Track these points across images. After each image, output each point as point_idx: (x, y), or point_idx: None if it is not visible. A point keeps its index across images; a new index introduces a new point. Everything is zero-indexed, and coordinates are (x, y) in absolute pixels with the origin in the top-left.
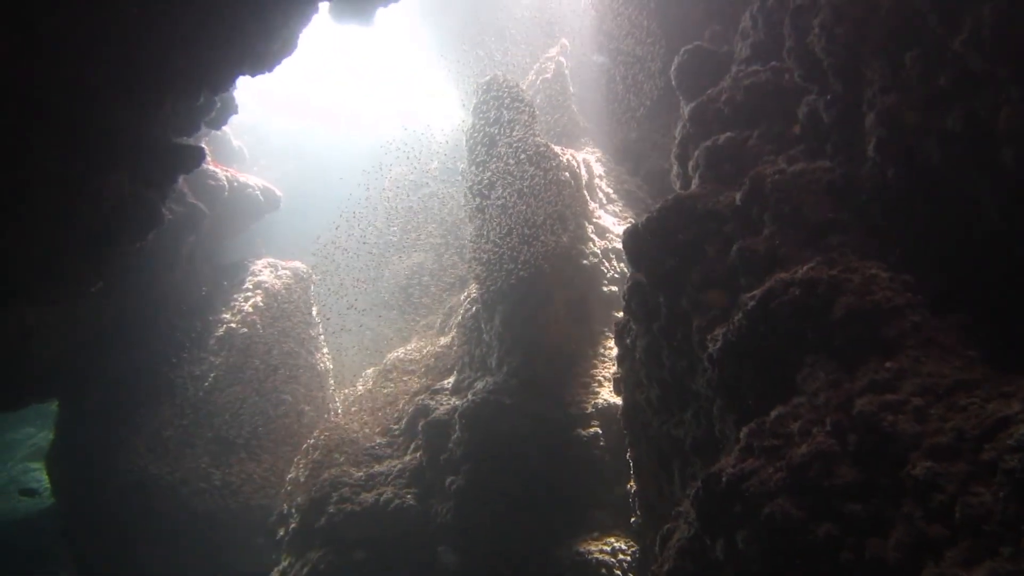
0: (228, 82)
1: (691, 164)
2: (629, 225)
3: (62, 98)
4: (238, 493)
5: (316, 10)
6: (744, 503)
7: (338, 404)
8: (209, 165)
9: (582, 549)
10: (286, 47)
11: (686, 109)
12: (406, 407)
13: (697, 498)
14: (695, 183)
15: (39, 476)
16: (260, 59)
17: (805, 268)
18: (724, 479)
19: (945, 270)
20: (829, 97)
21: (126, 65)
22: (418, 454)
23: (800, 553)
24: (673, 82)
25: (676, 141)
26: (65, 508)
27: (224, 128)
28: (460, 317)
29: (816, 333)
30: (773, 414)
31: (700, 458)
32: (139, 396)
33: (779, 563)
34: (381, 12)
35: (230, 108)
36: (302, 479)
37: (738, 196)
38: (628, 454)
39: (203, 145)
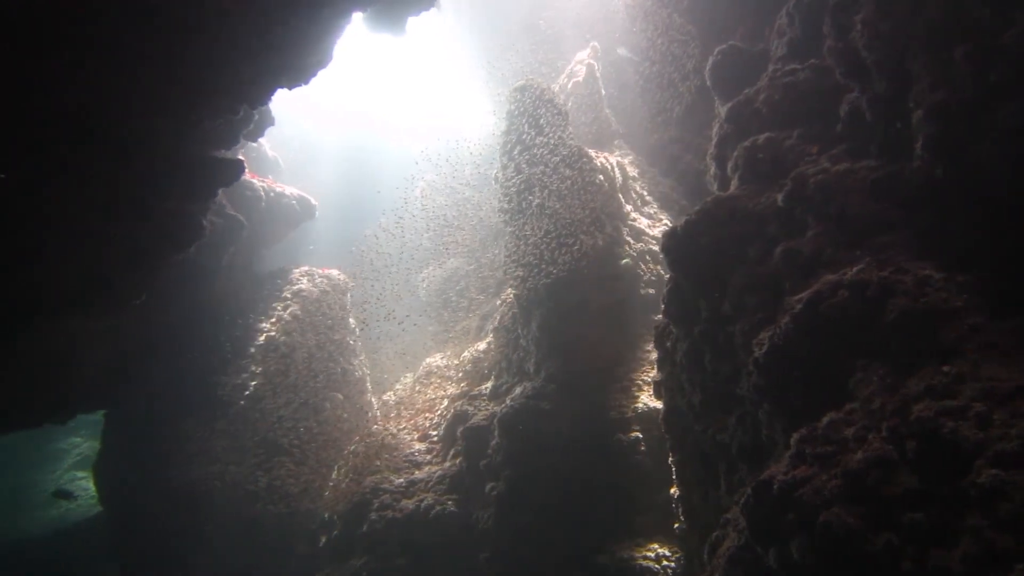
0: (266, 96)
1: (730, 165)
2: (667, 227)
3: (108, 118)
4: (282, 498)
5: (349, 21)
6: (798, 511)
7: (376, 410)
8: (246, 176)
9: (625, 555)
10: (322, 59)
11: (723, 109)
12: (444, 413)
13: (747, 506)
14: (734, 184)
15: (85, 485)
16: (297, 72)
17: (854, 270)
18: (776, 486)
19: (1002, 271)
20: (872, 95)
21: (169, 83)
22: (458, 460)
23: (858, 563)
24: (708, 82)
25: (713, 142)
26: (112, 516)
27: (259, 139)
28: (497, 322)
29: (868, 337)
30: (825, 420)
31: (746, 464)
32: (182, 405)
33: (836, 573)
34: (412, 21)
35: (267, 120)
36: (343, 486)
37: (780, 197)
38: (670, 459)
39: (241, 157)
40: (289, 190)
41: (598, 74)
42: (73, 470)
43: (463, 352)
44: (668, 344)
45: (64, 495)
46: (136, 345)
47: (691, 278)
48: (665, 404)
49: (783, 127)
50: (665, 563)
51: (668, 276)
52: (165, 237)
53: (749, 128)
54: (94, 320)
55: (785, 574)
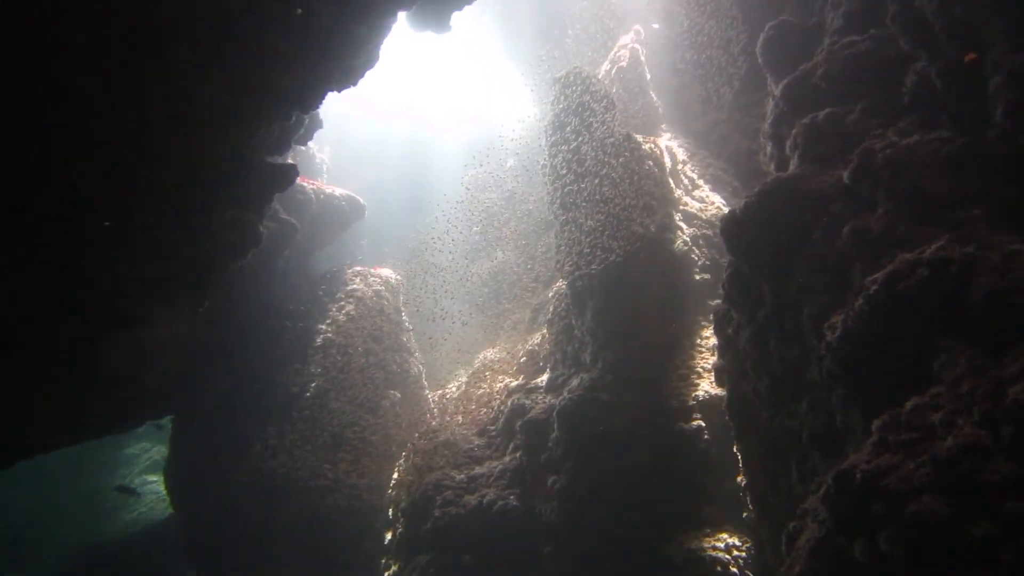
0: (318, 100)
1: (788, 144)
2: (721, 211)
3: (170, 131)
4: (347, 494)
5: (396, 20)
6: (884, 502)
7: (433, 407)
8: (297, 180)
9: (694, 546)
10: (369, 60)
11: (777, 87)
12: (501, 407)
13: (828, 496)
14: (794, 163)
15: (156, 488)
16: (346, 75)
17: (934, 247)
18: (859, 476)
19: None
20: (943, 63)
21: (229, 93)
22: (517, 454)
23: (954, 554)
24: (760, 59)
25: (768, 121)
26: (184, 518)
27: (308, 142)
28: (550, 314)
29: (951, 317)
30: (909, 405)
31: (819, 451)
32: (245, 407)
33: (928, 564)
34: (456, 16)
35: (316, 123)
36: (405, 483)
37: (845, 174)
38: (736, 447)
39: (297, 164)
40: (338, 191)
41: (643, 58)
42: (144, 474)
43: (516, 345)
44: (729, 330)
45: (126, 491)
46: (200, 351)
47: (752, 262)
48: (728, 391)
49: (844, 102)
50: (736, 553)
51: (727, 261)
52: (225, 245)
53: (807, 105)
54: (159, 329)
55: (872, 566)
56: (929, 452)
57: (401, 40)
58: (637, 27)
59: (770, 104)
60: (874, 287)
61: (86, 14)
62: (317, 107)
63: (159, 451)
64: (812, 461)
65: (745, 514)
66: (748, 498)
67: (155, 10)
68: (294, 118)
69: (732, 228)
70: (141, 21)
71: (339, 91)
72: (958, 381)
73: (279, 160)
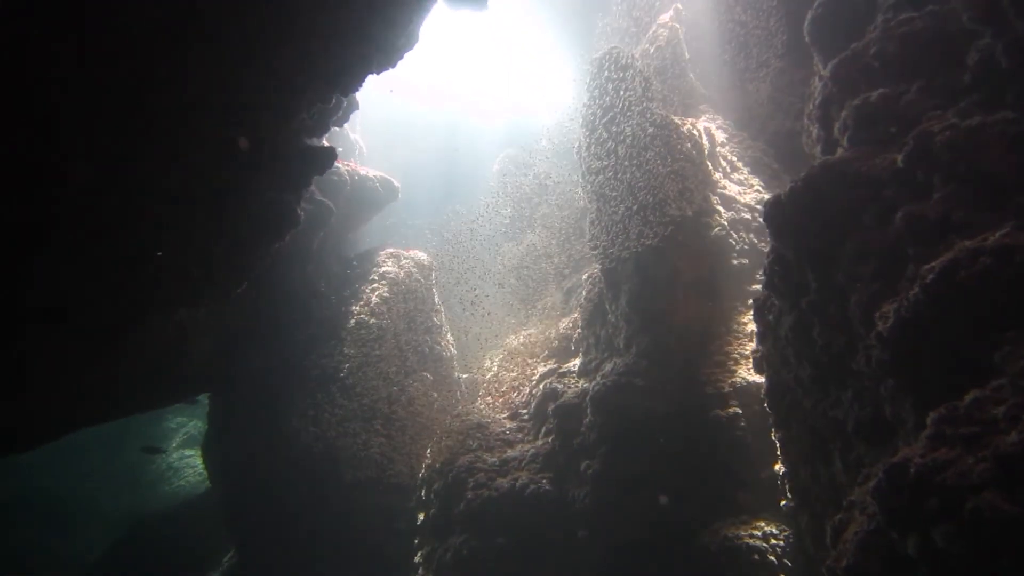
0: (358, 83)
1: (837, 126)
2: (760, 193)
3: (212, 114)
4: (381, 473)
5: (436, 1)
6: (941, 497)
7: (464, 389)
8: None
9: (730, 534)
10: (409, 42)
11: (827, 67)
12: (533, 391)
13: (879, 490)
14: (843, 146)
15: (194, 462)
16: (386, 57)
17: (997, 234)
18: (913, 470)
19: None
20: (1010, 38)
21: (271, 76)
22: (550, 438)
23: (1015, 552)
24: (807, 38)
25: (816, 102)
26: (222, 492)
27: (344, 124)
28: (582, 298)
29: (1017, 308)
30: (968, 398)
31: (865, 442)
32: (281, 385)
33: (988, 562)
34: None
35: (353, 105)
36: (438, 465)
37: (900, 157)
38: (774, 434)
39: (332, 146)
40: (373, 173)
41: (681, 36)
42: (181, 448)
43: (548, 329)
44: (770, 317)
45: (153, 450)
46: (236, 330)
47: (797, 248)
48: (768, 379)
49: (899, 82)
50: (773, 542)
51: (769, 247)
52: (264, 227)
53: (858, 85)
54: (200, 309)
55: (926, 562)
56: (991, 447)
57: (437, 19)
58: (677, 5)
59: (817, 84)
60: (931, 276)
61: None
62: (357, 90)
63: (196, 426)
64: (857, 451)
65: (783, 503)
66: (787, 487)
67: None
68: (333, 101)
69: (776, 213)
70: (185, 7)
71: (378, 74)
72: (1022, 374)
73: (317, 142)
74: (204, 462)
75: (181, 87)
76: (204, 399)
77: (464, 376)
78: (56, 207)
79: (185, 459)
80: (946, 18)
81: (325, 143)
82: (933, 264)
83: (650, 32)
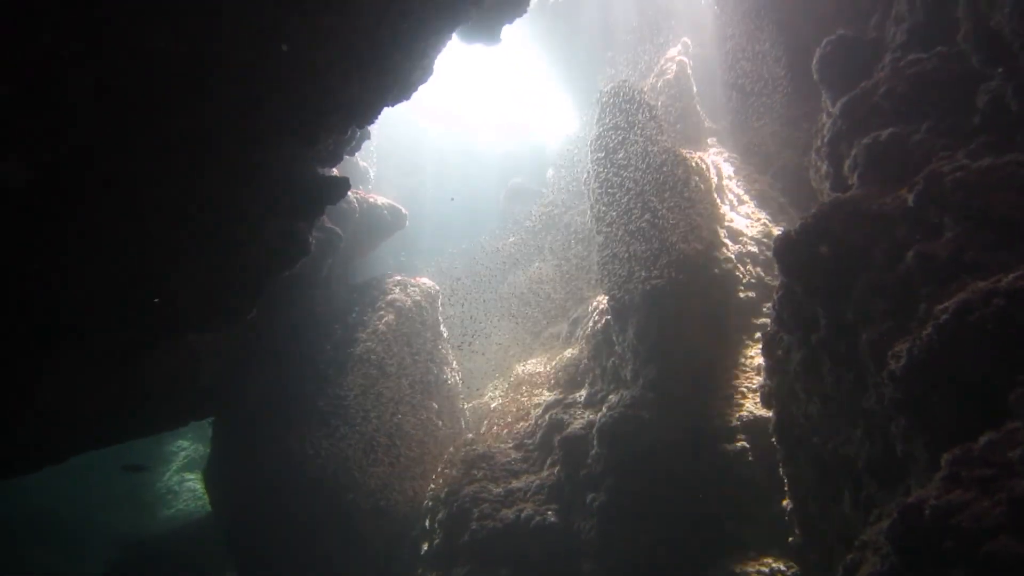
0: (375, 115)
1: (847, 163)
2: (779, 232)
3: (232, 142)
4: (386, 503)
5: (451, 36)
6: (956, 539)
7: (469, 418)
8: None
9: (737, 569)
10: (424, 75)
11: (834, 104)
12: (539, 421)
13: (894, 531)
14: (853, 183)
15: (194, 486)
16: (403, 89)
17: (1011, 276)
18: (927, 511)
19: None
20: (1020, 82)
21: (290, 107)
22: (555, 469)
23: None
24: (815, 75)
25: (825, 138)
26: (224, 517)
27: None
28: (589, 328)
29: None
30: (983, 440)
31: (876, 480)
32: (286, 411)
33: None
34: (505, 29)
35: (365, 134)
36: (442, 495)
37: (910, 196)
38: (782, 470)
39: (343, 174)
40: (381, 200)
41: (689, 71)
42: (181, 471)
43: (554, 358)
44: (779, 352)
45: (134, 468)
46: (243, 355)
47: (807, 284)
48: (776, 414)
49: (908, 121)
50: None
51: (779, 282)
52: (276, 254)
53: (868, 123)
54: (209, 333)
55: None
56: (1006, 490)
57: (449, 50)
58: (685, 39)
59: (826, 121)
60: (944, 316)
61: (162, 23)
62: (373, 122)
63: (196, 449)
64: (868, 490)
65: (791, 539)
66: (794, 523)
67: (226, 25)
68: (349, 132)
69: (787, 249)
70: (215, 35)
71: (393, 105)
72: None
73: (331, 171)
74: (205, 485)
75: (201, 114)
76: (206, 422)
77: (469, 405)
78: (74, 229)
79: (185, 482)
80: (955, 60)
81: (335, 172)
82: (946, 304)
83: (658, 66)
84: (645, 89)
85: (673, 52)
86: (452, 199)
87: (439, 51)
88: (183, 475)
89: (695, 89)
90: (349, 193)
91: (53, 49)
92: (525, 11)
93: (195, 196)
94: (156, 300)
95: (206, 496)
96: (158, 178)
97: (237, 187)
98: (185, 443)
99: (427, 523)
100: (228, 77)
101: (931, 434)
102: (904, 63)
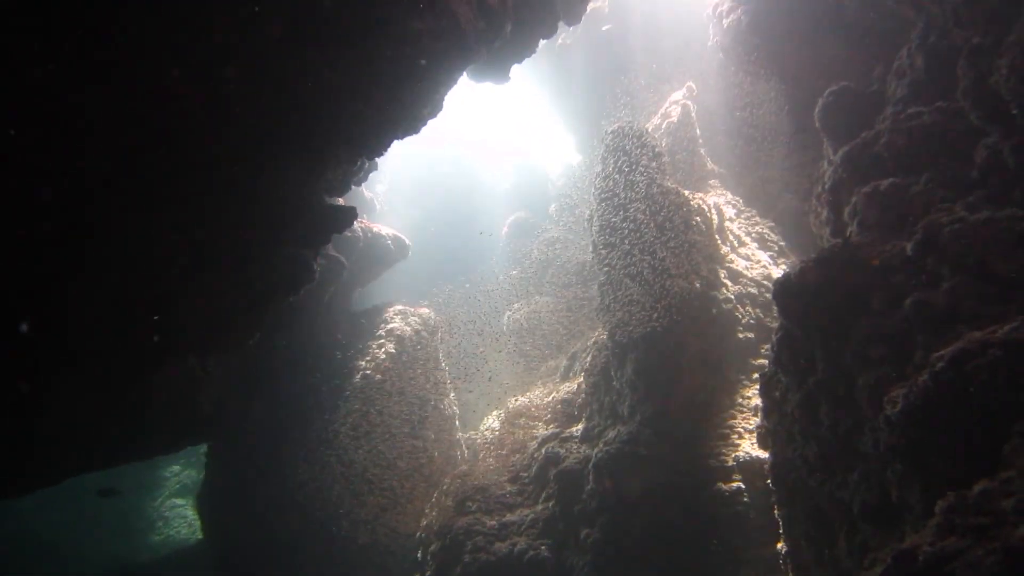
0: (384, 148)
1: (847, 211)
2: (780, 275)
3: (244, 170)
4: (380, 532)
5: (462, 74)
6: None
7: (465, 450)
8: None
9: None
10: (434, 111)
11: (837, 153)
12: (535, 454)
13: None
14: (852, 231)
15: (184, 512)
16: (412, 124)
17: (1007, 328)
18: (921, 558)
19: None
20: (1017, 140)
21: (304, 136)
22: (550, 503)
23: None
24: (817, 124)
25: (826, 186)
26: (216, 544)
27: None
28: (587, 363)
29: None
30: (977, 488)
31: (871, 525)
32: (283, 438)
33: None
34: (515, 68)
35: (372, 165)
36: (436, 526)
37: (909, 246)
38: (777, 512)
39: (349, 204)
40: (385, 230)
41: (693, 115)
42: (173, 497)
43: (551, 392)
44: (776, 393)
45: (108, 493)
46: (243, 380)
47: (806, 328)
48: (773, 455)
49: (908, 172)
50: None
51: (778, 324)
52: (281, 280)
53: (868, 173)
54: (211, 358)
55: None
56: (1000, 539)
57: (459, 86)
58: (690, 84)
59: (827, 169)
60: (940, 364)
61: (187, 60)
62: (382, 153)
63: (188, 475)
64: (863, 535)
65: None
66: (788, 566)
67: (243, 58)
68: (358, 163)
69: (786, 292)
70: (232, 66)
71: (402, 139)
72: None
73: (338, 200)
74: (198, 511)
75: (215, 142)
76: (198, 447)
77: (466, 436)
78: (85, 250)
79: (176, 508)
80: (955, 115)
81: (342, 202)
82: (943, 352)
83: (663, 108)
84: (650, 129)
85: (677, 96)
86: (481, 232)
87: (449, 88)
88: (174, 501)
89: (698, 132)
90: (354, 223)
91: (70, 76)
92: (535, 51)
93: (205, 221)
94: (156, 318)
95: (197, 522)
96: (169, 203)
97: (247, 213)
98: (177, 468)
99: (419, 554)
100: (244, 108)
101: (926, 480)
102: (905, 116)
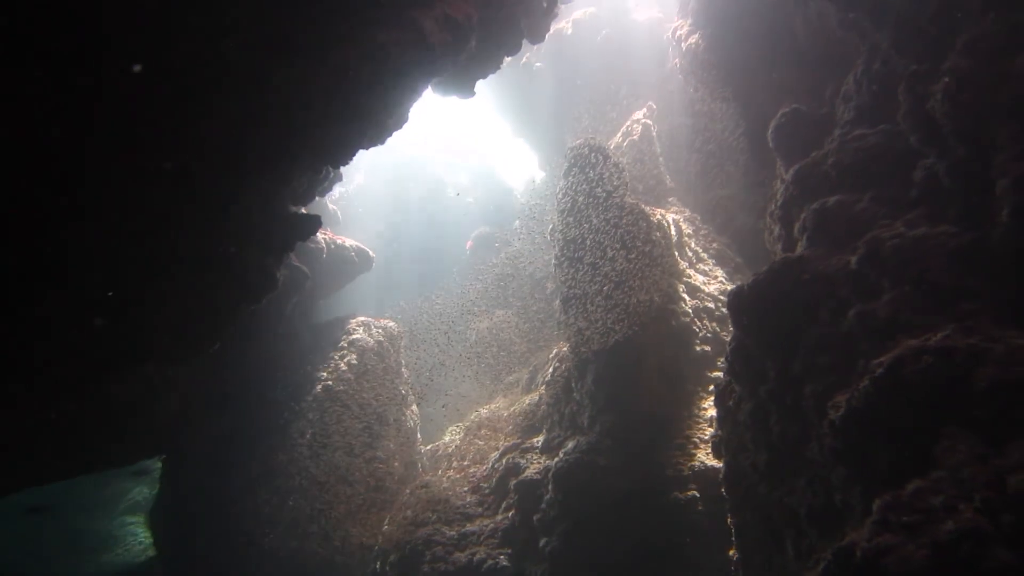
0: (349, 157)
1: (796, 226)
2: (723, 284)
3: (210, 175)
4: (336, 546)
5: (427, 86)
6: None
7: (426, 461)
8: None
9: None
10: (399, 121)
11: (788, 171)
12: (496, 465)
13: (827, 572)
14: (802, 245)
15: (135, 530)
16: (378, 134)
17: (939, 336)
18: (858, 554)
19: None
20: (951, 162)
21: (270, 145)
22: (510, 513)
23: None
24: (770, 143)
25: (777, 203)
26: (169, 559)
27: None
28: (548, 375)
29: (954, 404)
30: (910, 487)
31: (817, 529)
32: (241, 451)
33: None
34: (479, 83)
35: (337, 177)
36: (395, 537)
37: (853, 259)
38: (730, 520)
39: (317, 214)
40: (349, 242)
41: (654, 133)
42: (124, 515)
43: (513, 404)
44: (730, 403)
45: (38, 510)
46: (199, 391)
47: (757, 338)
48: (726, 463)
49: (853, 190)
50: None
51: (732, 335)
52: (243, 289)
53: (817, 190)
54: (169, 367)
55: None
56: (930, 534)
57: (423, 99)
58: (650, 104)
59: (779, 187)
60: (879, 370)
61: (147, 61)
62: (347, 162)
63: (140, 492)
64: (809, 539)
65: None
66: (740, 572)
67: (210, 66)
68: (323, 172)
69: (739, 303)
70: (201, 70)
71: (367, 148)
72: (959, 467)
73: (301, 210)
74: (150, 527)
75: (181, 146)
76: (156, 464)
77: (427, 448)
78: (48, 258)
79: (127, 526)
80: (896, 137)
81: (304, 211)
82: (882, 359)
83: (624, 126)
84: (611, 146)
85: (639, 115)
86: (469, 243)
87: (414, 100)
88: (124, 519)
89: (659, 150)
90: (318, 233)
91: (43, 86)
92: (499, 67)
93: (169, 225)
94: (113, 324)
95: (149, 540)
96: (134, 206)
97: (208, 219)
98: (130, 485)
99: (378, 566)
100: (208, 115)
101: (866, 482)
102: (851, 137)
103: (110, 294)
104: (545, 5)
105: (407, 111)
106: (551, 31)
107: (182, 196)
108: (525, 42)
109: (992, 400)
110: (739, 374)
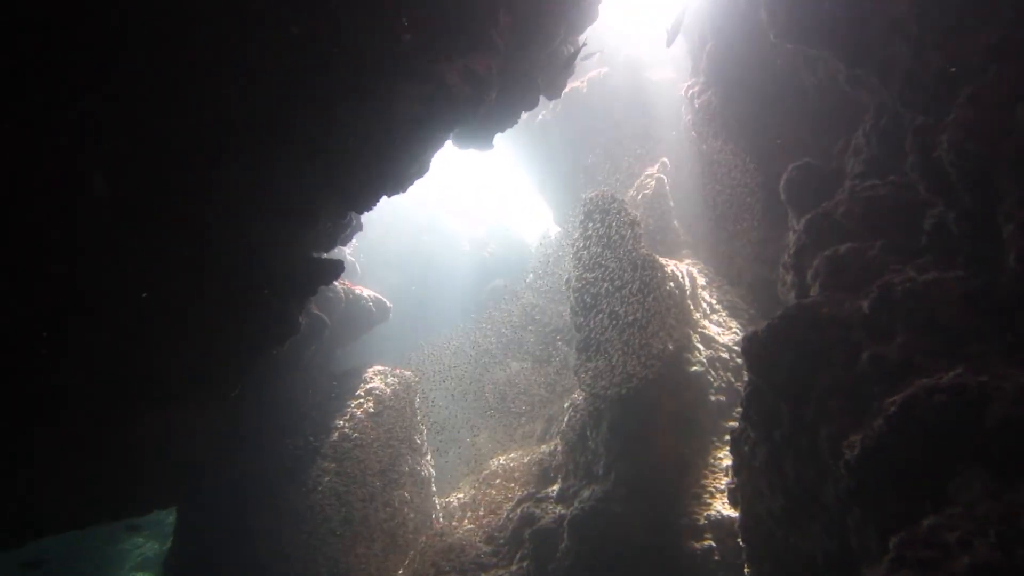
0: (372, 204)
1: (809, 273)
2: (741, 332)
3: (236, 217)
4: None
5: (448, 137)
6: None
7: (440, 510)
8: None
9: None
10: (421, 170)
11: (800, 221)
12: (510, 515)
13: None
14: (815, 292)
15: None
16: (400, 181)
17: (951, 375)
18: None
19: None
20: (959, 209)
21: (298, 191)
22: (524, 563)
23: None
24: (782, 196)
25: (790, 252)
26: None
27: (348, 244)
28: (563, 425)
29: (967, 441)
30: (926, 523)
31: (835, 574)
32: (258, 500)
33: None
34: (498, 136)
35: (357, 227)
36: None
37: (865, 304)
38: (746, 570)
39: (340, 259)
40: (366, 292)
41: (667, 187)
42: (135, 571)
43: (527, 454)
44: (745, 449)
45: (35, 564)
46: (216, 438)
47: (772, 382)
48: (742, 511)
49: (864, 238)
50: None
51: (747, 380)
52: (265, 333)
53: (829, 239)
54: (188, 412)
55: None
56: (946, 570)
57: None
58: (664, 159)
59: (791, 236)
60: (893, 408)
61: (187, 108)
62: (371, 208)
63: (151, 547)
64: None
65: None
66: None
67: (239, 110)
68: (346, 218)
69: (754, 348)
70: (232, 116)
71: (390, 196)
72: (973, 503)
73: (324, 256)
74: None
75: (207, 191)
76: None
77: (442, 500)
78: (73, 303)
79: None
80: (905, 188)
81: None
82: (895, 398)
83: (638, 181)
84: (626, 199)
85: (652, 170)
86: (502, 282)
87: (436, 149)
88: (134, 575)
89: (672, 204)
90: (336, 283)
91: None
92: (517, 121)
93: (191, 270)
94: (136, 369)
95: None
96: (157, 253)
97: (234, 263)
98: (141, 540)
99: None
100: (239, 157)
101: (881, 521)
102: (861, 188)
103: (134, 338)
104: (562, 62)
105: (429, 160)
106: (567, 88)
107: (207, 238)
108: (542, 98)
109: (1004, 436)
110: (754, 419)
